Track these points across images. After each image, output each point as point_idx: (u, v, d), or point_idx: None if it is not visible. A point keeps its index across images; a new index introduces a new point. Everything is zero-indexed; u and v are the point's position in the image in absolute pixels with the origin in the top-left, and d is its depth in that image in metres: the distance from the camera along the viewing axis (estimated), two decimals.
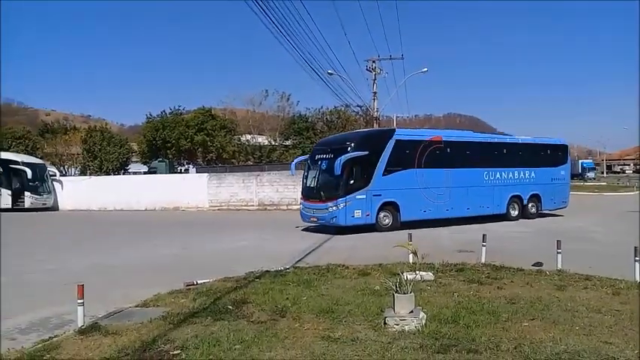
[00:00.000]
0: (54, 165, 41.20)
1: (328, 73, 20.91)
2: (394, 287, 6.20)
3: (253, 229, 19.54)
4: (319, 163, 18.21)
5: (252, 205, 30.47)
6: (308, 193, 18.80)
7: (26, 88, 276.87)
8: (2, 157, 31.12)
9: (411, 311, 6.12)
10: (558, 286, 8.33)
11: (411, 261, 10.06)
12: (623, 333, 5.86)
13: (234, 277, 9.31)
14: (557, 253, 10.00)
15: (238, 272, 9.81)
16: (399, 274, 6.98)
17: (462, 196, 19.60)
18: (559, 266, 9.80)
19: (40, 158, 37.16)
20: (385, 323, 6.07)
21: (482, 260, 10.62)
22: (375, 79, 32.25)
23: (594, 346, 5.36)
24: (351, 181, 17.43)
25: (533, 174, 21.86)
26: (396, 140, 18.45)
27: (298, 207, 20.30)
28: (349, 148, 17.41)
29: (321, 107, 47.54)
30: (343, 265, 10.24)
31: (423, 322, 6.09)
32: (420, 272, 8.51)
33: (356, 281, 8.81)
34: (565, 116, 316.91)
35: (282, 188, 29.78)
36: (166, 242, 16.29)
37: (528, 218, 21.44)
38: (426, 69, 35.15)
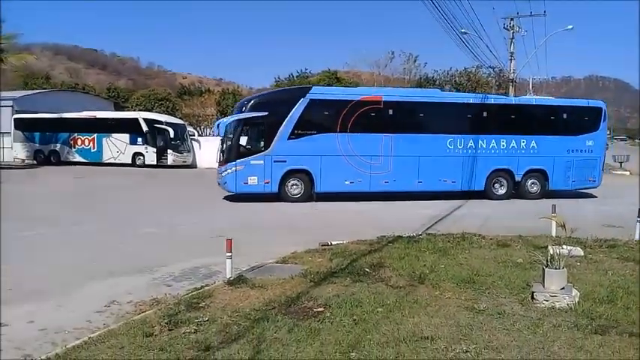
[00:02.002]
0: (191, 125, 43.99)
1: (462, 32, 19.81)
2: (544, 261, 5.84)
3: None
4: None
5: None
6: (218, 157, 17.51)
7: (165, 53, 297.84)
8: (148, 117, 33.71)
9: (562, 288, 5.75)
10: None
11: (553, 234, 9.47)
12: None
13: (368, 240, 9.39)
14: None
15: (368, 235, 9.86)
16: (547, 247, 6.57)
17: (411, 167, 16.72)
18: None
19: (180, 119, 39.71)
20: (533, 298, 5.76)
21: (637, 237, 9.67)
22: (512, 38, 30.05)
23: None
24: (245, 145, 16.22)
25: (534, 143, 17.67)
26: (310, 100, 16.22)
27: None
28: (244, 108, 16.31)
29: (450, 69, 45.80)
30: (479, 235, 9.88)
31: (576, 300, 5.70)
32: (568, 247, 7.95)
33: (495, 252, 8.46)
34: None
35: None
36: None
37: (526, 198, 17.46)
38: (571, 26, 32.33)
